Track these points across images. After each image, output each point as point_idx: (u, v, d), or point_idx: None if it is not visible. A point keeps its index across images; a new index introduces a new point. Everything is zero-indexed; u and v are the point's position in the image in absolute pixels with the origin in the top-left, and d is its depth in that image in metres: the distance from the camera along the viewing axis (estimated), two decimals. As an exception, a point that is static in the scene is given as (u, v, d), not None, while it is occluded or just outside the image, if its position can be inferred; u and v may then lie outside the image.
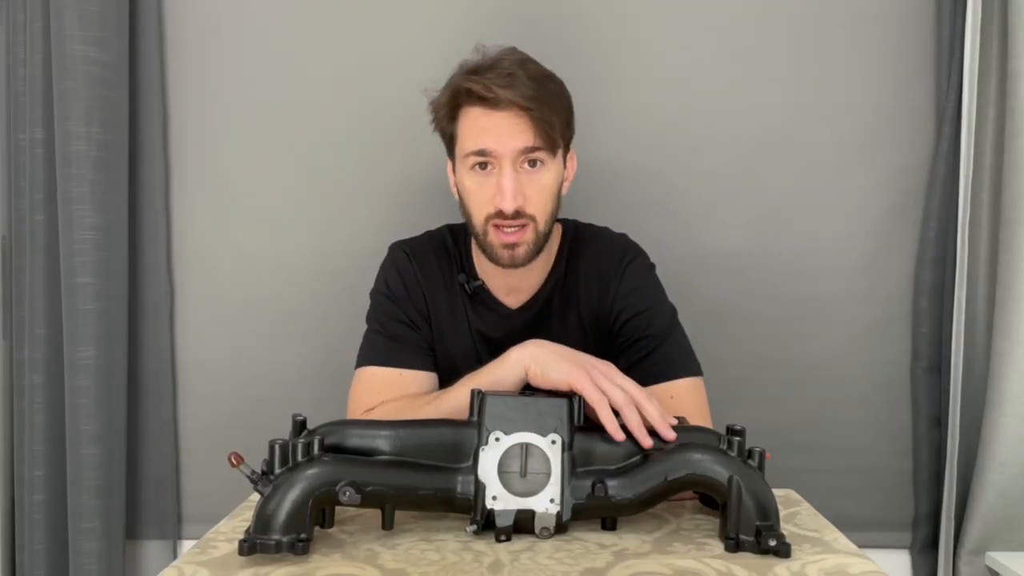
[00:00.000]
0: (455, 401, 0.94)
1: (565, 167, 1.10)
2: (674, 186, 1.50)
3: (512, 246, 1.04)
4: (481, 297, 1.14)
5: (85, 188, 1.39)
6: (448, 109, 1.05)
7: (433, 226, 1.23)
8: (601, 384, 0.86)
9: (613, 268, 1.13)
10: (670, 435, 0.84)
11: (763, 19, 1.48)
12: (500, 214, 1.02)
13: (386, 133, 1.49)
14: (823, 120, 1.49)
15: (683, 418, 0.97)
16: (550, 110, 1.01)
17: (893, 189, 1.49)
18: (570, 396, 0.85)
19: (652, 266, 1.17)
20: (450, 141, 1.08)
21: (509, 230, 1.03)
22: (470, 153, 1.03)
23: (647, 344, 1.09)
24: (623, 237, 1.19)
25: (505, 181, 1.00)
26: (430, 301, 1.14)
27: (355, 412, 1.08)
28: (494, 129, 1.01)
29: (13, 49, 1.44)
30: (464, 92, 1.02)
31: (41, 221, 1.43)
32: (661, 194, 1.50)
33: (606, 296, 1.12)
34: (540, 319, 1.14)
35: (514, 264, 1.06)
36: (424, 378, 1.10)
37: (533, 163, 1.03)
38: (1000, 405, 1.36)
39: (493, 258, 1.06)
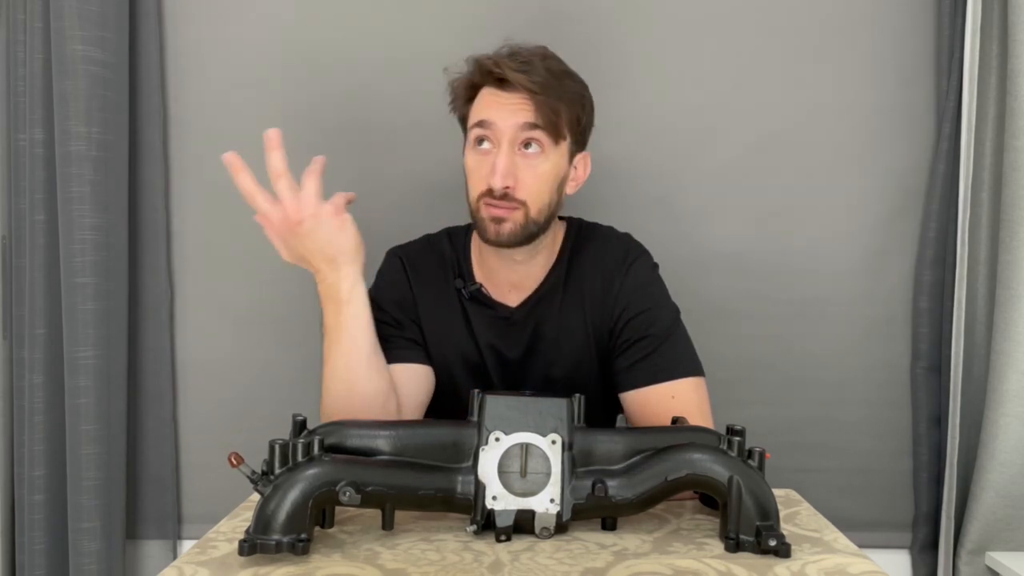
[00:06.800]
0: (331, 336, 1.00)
1: (574, 166, 1.10)
2: (675, 186, 1.50)
3: (499, 220, 1.04)
4: (480, 299, 1.14)
5: (85, 188, 1.39)
6: (465, 90, 1.08)
7: (435, 228, 1.22)
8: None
9: (616, 267, 1.13)
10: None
11: (764, 19, 1.48)
12: (490, 192, 1.02)
13: (388, 134, 1.49)
14: (823, 120, 1.49)
15: (682, 418, 0.97)
16: (558, 99, 1.03)
17: (893, 189, 1.49)
18: (570, 396, 0.85)
19: (656, 266, 1.17)
20: (464, 124, 1.10)
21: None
22: (473, 125, 1.05)
23: (649, 344, 1.09)
24: (627, 236, 1.19)
25: (500, 160, 1.02)
26: (422, 308, 1.14)
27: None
28: (498, 106, 1.03)
29: (13, 49, 1.44)
30: (480, 71, 1.05)
31: (41, 221, 1.43)
32: (662, 194, 1.50)
33: (609, 294, 1.12)
34: (541, 315, 1.14)
35: (499, 241, 1.05)
36: (408, 369, 1.10)
37: (528, 144, 1.03)
38: (1000, 405, 1.36)
39: (482, 234, 1.06)
